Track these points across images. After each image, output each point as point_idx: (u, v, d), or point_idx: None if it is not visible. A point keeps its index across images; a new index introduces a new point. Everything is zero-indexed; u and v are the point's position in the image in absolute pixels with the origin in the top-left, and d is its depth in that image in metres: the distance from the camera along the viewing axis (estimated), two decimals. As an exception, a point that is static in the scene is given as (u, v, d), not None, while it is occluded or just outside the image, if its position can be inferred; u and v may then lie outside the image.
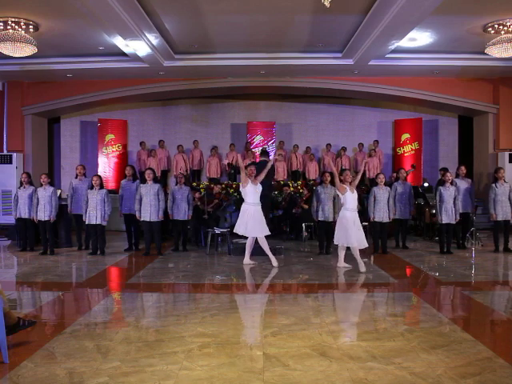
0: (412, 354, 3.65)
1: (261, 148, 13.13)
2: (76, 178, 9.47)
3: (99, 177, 8.93)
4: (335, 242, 7.25)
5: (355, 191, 7.20)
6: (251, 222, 7.45)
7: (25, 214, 9.04)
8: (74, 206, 9.32)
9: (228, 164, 13.31)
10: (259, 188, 7.57)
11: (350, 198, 7.09)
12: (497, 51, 8.90)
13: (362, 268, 7.01)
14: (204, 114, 14.67)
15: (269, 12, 8.44)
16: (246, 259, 7.67)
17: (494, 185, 8.97)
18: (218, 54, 10.97)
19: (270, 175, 9.09)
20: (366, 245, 7.17)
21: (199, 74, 12.05)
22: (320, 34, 9.74)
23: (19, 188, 9.25)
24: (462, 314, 5.14)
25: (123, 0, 7.59)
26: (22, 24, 8.55)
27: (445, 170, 9.72)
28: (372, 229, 9.15)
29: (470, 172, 12.46)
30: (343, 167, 12.73)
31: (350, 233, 6.96)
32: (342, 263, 7.29)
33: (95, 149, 14.11)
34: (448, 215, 8.65)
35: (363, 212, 9.72)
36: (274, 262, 7.50)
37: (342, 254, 7.29)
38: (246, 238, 7.70)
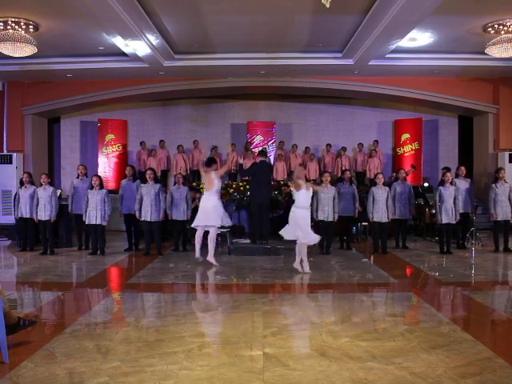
0: (412, 354, 3.65)
1: (260, 148, 13.12)
2: (77, 177, 9.48)
3: (99, 177, 8.93)
4: (283, 235, 7.14)
5: (311, 189, 7.11)
6: (204, 214, 7.51)
7: (26, 214, 9.03)
8: (74, 205, 9.32)
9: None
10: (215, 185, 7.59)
11: (304, 197, 7.00)
12: (497, 51, 8.90)
13: (306, 268, 6.94)
14: (204, 113, 14.67)
15: (269, 12, 8.43)
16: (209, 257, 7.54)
17: (494, 185, 8.98)
18: (218, 54, 10.97)
19: (267, 175, 9.07)
20: (316, 240, 7.11)
21: (199, 74, 12.05)
22: (320, 34, 9.74)
23: (20, 188, 9.25)
24: (462, 313, 5.14)
25: (123, 0, 7.59)
26: (22, 24, 8.55)
27: (447, 169, 9.71)
28: (371, 229, 9.15)
29: (470, 172, 12.46)
30: (343, 167, 12.72)
31: (302, 229, 6.92)
32: (298, 264, 7.11)
33: (95, 149, 14.10)
34: (448, 215, 8.65)
35: (363, 212, 9.72)
36: (211, 258, 7.52)
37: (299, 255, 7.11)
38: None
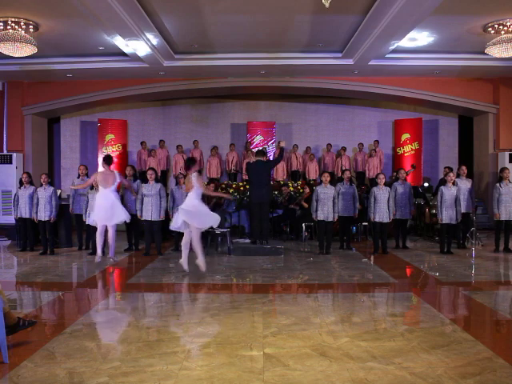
0: (412, 354, 3.65)
1: (257, 148, 13.10)
2: (78, 177, 9.50)
3: (99, 177, 8.92)
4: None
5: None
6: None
7: (25, 214, 9.05)
8: (75, 205, 9.34)
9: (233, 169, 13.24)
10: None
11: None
12: (497, 51, 8.90)
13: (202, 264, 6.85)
14: (204, 114, 14.68)
15: (269, 12, 8.44)
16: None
17: (498, 184, 8.97)
18: (218, 54, 10.97)
19: (265, 174, 9.02)
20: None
21: (199, 74, 12.05)
22: (320, 34, 9.74)
23: (20, 188, 9.26)
24: (462, 313, 5.14)
25: (123, 0, 7.60)
26: (22, 24, 8.56)
27: (450, 169, 9.70)
28: (372, 229, 9.15)
29: (470, 172, 12.45)
30: (343, 167, 12.72)
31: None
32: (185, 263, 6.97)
33: (95, 149, 14.11)
34: (449, 215, 8.65)
35: (363, 212, 9.72)
36: (98, 257, 7.75)
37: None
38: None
